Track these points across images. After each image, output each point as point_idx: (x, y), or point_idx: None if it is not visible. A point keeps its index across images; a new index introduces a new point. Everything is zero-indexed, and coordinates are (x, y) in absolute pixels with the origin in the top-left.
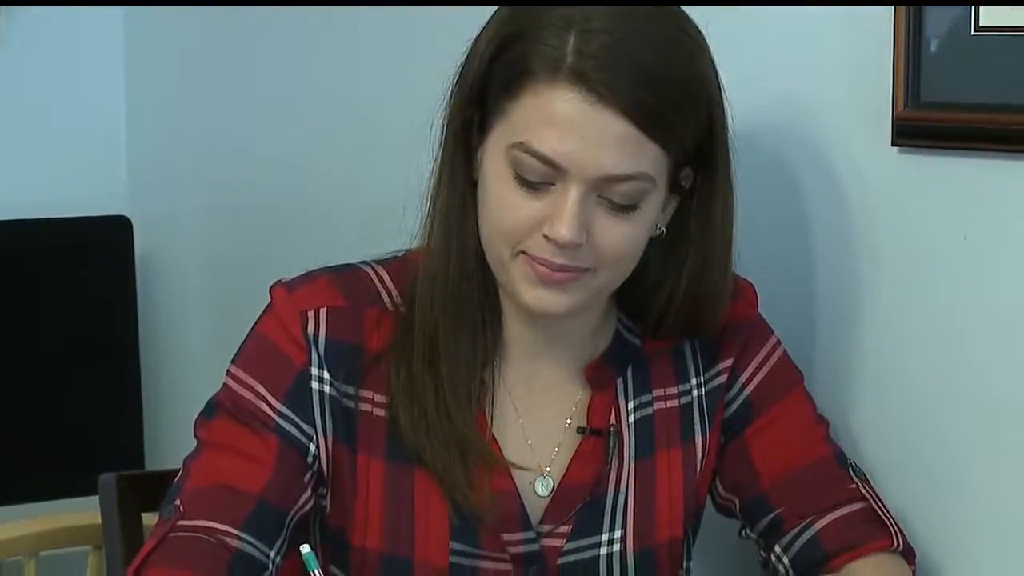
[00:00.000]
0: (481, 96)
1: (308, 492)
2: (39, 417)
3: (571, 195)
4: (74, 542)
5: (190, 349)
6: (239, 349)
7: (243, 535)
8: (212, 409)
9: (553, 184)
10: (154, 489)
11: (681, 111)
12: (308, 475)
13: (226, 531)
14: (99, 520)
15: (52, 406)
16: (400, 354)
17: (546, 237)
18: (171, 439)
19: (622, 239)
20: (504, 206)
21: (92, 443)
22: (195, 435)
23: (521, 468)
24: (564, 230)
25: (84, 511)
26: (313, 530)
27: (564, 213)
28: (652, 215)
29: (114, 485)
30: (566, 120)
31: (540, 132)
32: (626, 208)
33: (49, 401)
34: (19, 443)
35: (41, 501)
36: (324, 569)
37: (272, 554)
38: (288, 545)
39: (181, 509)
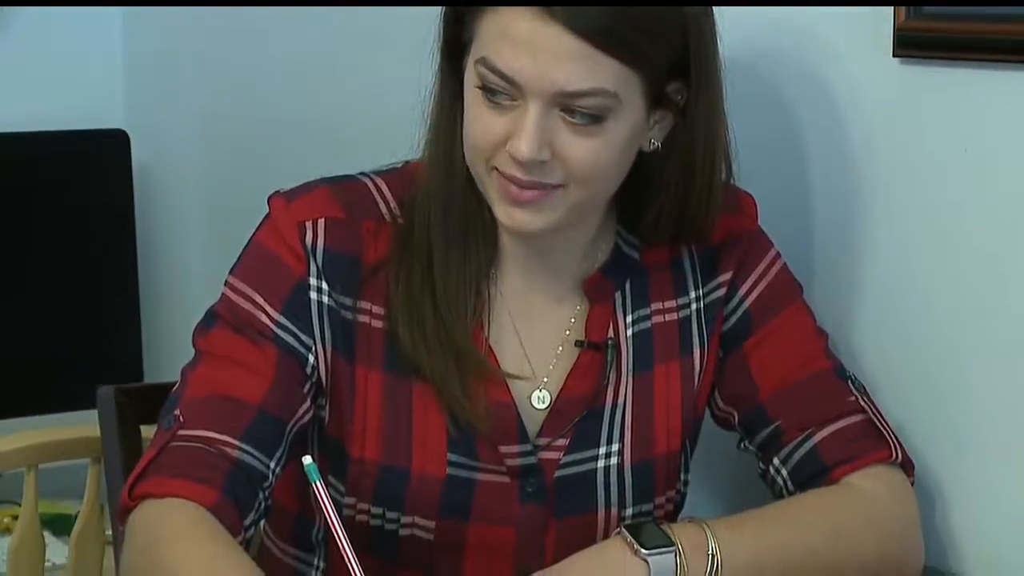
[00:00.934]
0: (460, 14)
1: (307, 403)
2: (38, 331)
3: (530, 111)
4: (73, 454)
5: (188, 261)
6: (237, 260)
7: (243, 445)
8: (210, 319)
9: (516, 101)
10: (153, 401)
11: (645, 30)
12: (307, 386)
13: (225, 441)
14: (98, 432)
15: (51, 320)
16: (398, 266)
17: (510, 154)
18: (169, 351)
19: (589, 155)
20: (474, 121)
21: (91, 356)
22: (193, 345)
23: (519, 379)
24: (523, 145)
25: (83, 424)
26: (312, 441)
27: (523, 129)
28: (625, 131)
29: (112, 397)
30: (519, 37)
31: (498, 49)
32: (590, 124)
33: (48, 315)
34: (18, 357)
35: (40, 415)
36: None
37: (272, 465)
38: (288, 456)
39: (181, 419)
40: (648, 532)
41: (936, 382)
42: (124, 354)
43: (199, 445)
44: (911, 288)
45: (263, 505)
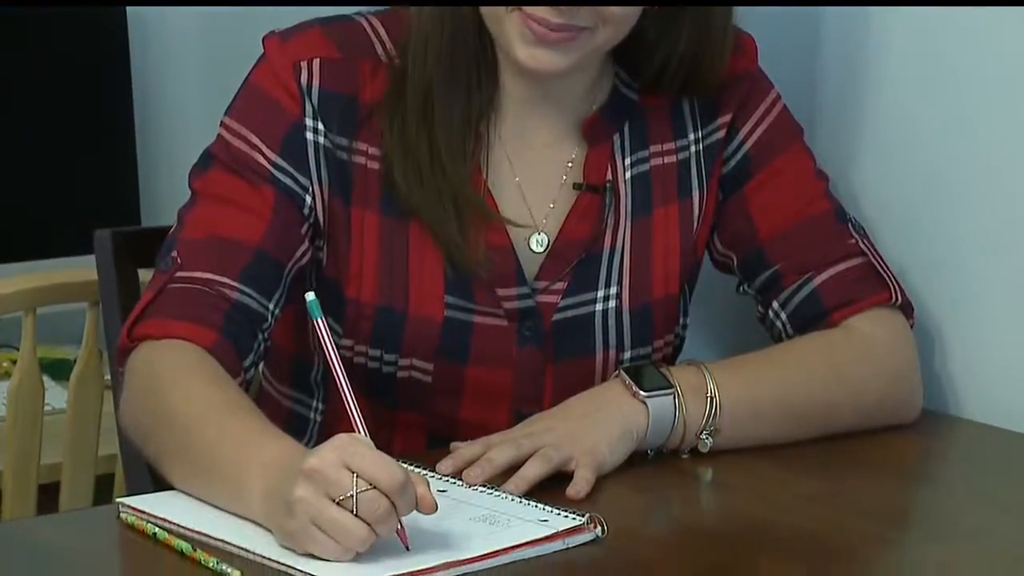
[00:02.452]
0: None
1: (305, 244)
2: (35, 177)
3: None
4: (71, 298)
5: (184, 103)
6: (232, 100)
7: (241, 286)
8: (206, 160)
9: None
10: (150, 244)
11: None
12: (304, 227)
13: (223, 283)
14: (96, 276)
15: (48, 165)
16: (394, 107)
17: None
18: (167, 195)
19: None
20: None
21: (88, 201)
22: (190, 187)
23: (516, 224)
24: None
25: (81, 268)
26: (310, 283)
27: None
28: None
29: (110, 240)
30: None
31: None
32: None
33: (45, 160)
34: (15, 203)
35: (38, 259)
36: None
37: (271, 306)
38: (286, 298)
39: (178, 260)
40: (647, 374)
41: (936, 226)
42: (121, 198)
43: (197, 287)
44: (911, 131)
45: (262, 347)
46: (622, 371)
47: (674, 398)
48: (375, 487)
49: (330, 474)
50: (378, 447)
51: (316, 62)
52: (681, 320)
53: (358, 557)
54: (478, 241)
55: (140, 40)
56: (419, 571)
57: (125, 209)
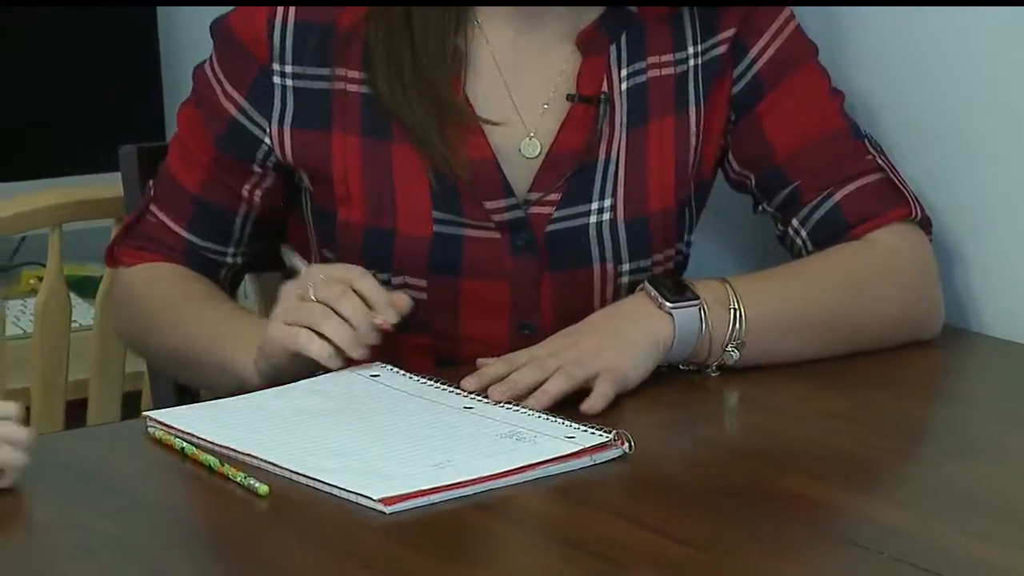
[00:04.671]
0: None
1: (252, 193)
2: (60, 93)
3: None
4: (97, 214)
5: (208, 21)
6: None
7: (190, 237)
8: (192, 88)
9: None
10: None
11: None
12: (256, 173)
13: (177, 232)
14: (121, 192)
15: (73, 82)
16: (376, 20)
17: None
18: None
19: None
20: None
21: (113, 117)
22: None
23: (505, 129)
24: None
25: (107, 184)
26: (306, 215)
27: None
28: None
29: (135, 156)
30: None
31: None
32: None
33: (70, 77)
34: (41, 119)
35: (64, 176)
36: (318, 253)
37: (230, 249)
38: (250, 239)
39: (152, 192)
40: (672, 286)
41: (951, 143)
42: (146, 114)
43: (158, 224)
44: (923, 49)
45: (225, 289)
46: (647, 283)
47: (700, 309)
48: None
49: (298, 284)
50: None
51: None
52: (685, 237)
53: (387, 473)
54: (460, 146)
55: None
56: (447, 486)
57: (150, 125)
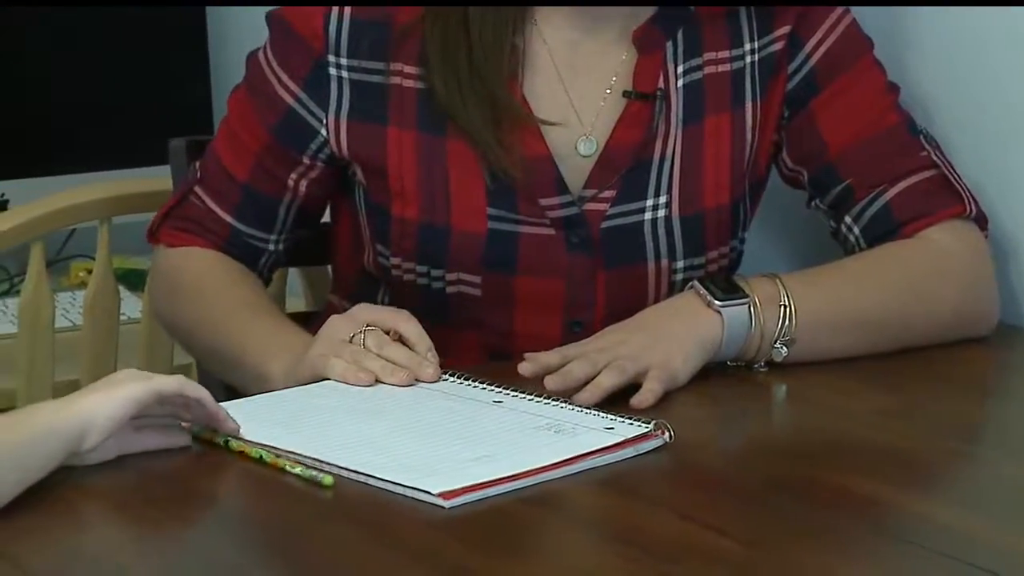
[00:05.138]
0: None
1: (299, 183)
2: (110, 87)
3: None
4: (145, 208)
5: (256, 16)
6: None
7: (235, 223)
8: (246, 73)
9: None
10: None
11: None
12: (303, 163)
13: (221, 217)
14: (170, 186)
15: (123, 76)
16: (433, 19)
17: None
18: None
19: None
20: None
21: (162, 111)
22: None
23: (561, 127)
24: None
25: (156, 177)
26: (360, 209)
27: None
28: None
29: (184, 149)
30: None
31: None
32: None
33: (120, 72)
34: (91, 112)
35: (113, 169)
36: (372, 248)
37: (272, 237)
38: (292, 230)
39: (198, 174)
40: (721, 285)
41: (1009, 139)
42: (194, 108)
43: (203, 208)
44: (981, 43)
45: (264, 275)
46: (696, 282)
47: (749, 307)
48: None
49: (344, 323)
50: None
51: None
52: (739, 234)
53: (429, 468)
54: (515, 148)
55: None
56: (504, 478)
57: (199, 118)
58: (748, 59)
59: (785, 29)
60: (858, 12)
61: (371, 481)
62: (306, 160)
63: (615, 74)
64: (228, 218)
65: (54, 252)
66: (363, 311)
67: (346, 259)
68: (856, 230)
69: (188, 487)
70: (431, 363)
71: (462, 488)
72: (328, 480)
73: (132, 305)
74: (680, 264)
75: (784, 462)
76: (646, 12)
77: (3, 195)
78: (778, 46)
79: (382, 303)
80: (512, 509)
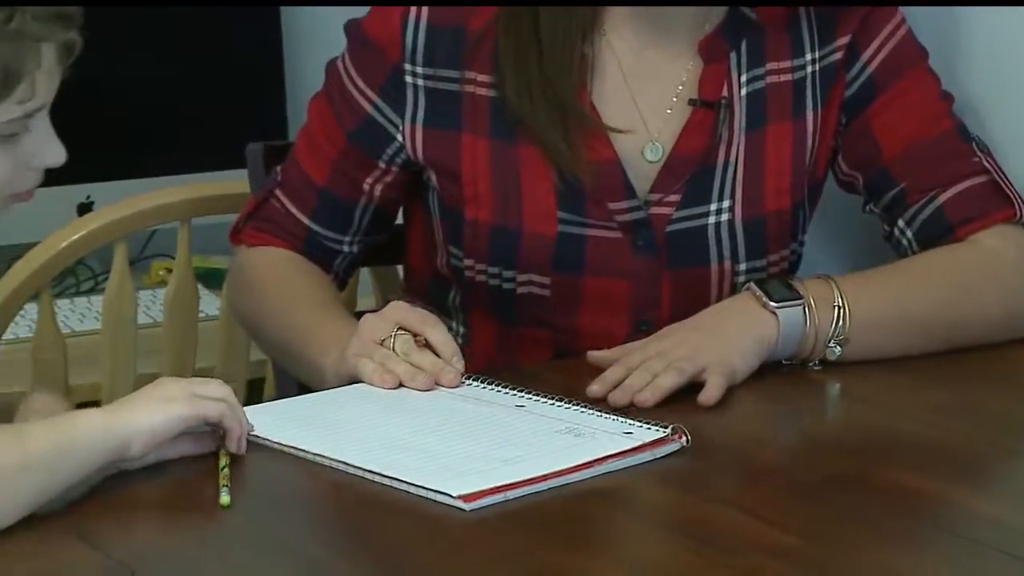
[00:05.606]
0: None
1: (374, 187)
2: (191, 95)
3: None
4: (224, 209)
5: (329, 25)
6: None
7: (312, 225)
8: (325, 82)
9: None
10: None
11: None
12: (378, 167)
13: (299, 219)
14: (247, 188)
15: (203, 85)
16: (505, 26)
17: None
18: None
19: None
20: None
21: (239, 117)
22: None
23: (624, 131)
24: None
25: (234, 181)
26: (433, 212)
27: None
28: None
29: (261, 154)
30: None
31: None
32: None
33: (200, 80)
34: (172, 119)
35: (193, 172)
36: (444, 250)
37: (346, 239)
38: (367, 232)
39: (278, 178)
40: (776, 287)
41: None
42: (269, 114)
43: (282, 210)
44: None
45: (339, 276)
46: (752, 283)
47: (804, 308)
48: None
49: (378, 324)
50: (503, 364)
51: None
52: (799, 237)
53: (450, 471)
54: (584, 153)
55: None
56: (523, 481)
57: (273, 123)
58: (809, 68)
59: (845, 39)
60: (913, 22)
61: (394, 484)
62: (382, 165)
63: (681, 82)
64: (306, 220)
65: (136, 252)
66: (395, 311)
67: (418, 260)
68: (909, 233)
69: (256, 478)
70: (453, 369)
71: (482, 491)
72: (225, 500)
73: (210, 303)
74: (742, 266)
75: (839, 458)
76: (711, 23)
77: (88, 197)
78: (838, 56)
79: (453, 303)
80: (579, 503)
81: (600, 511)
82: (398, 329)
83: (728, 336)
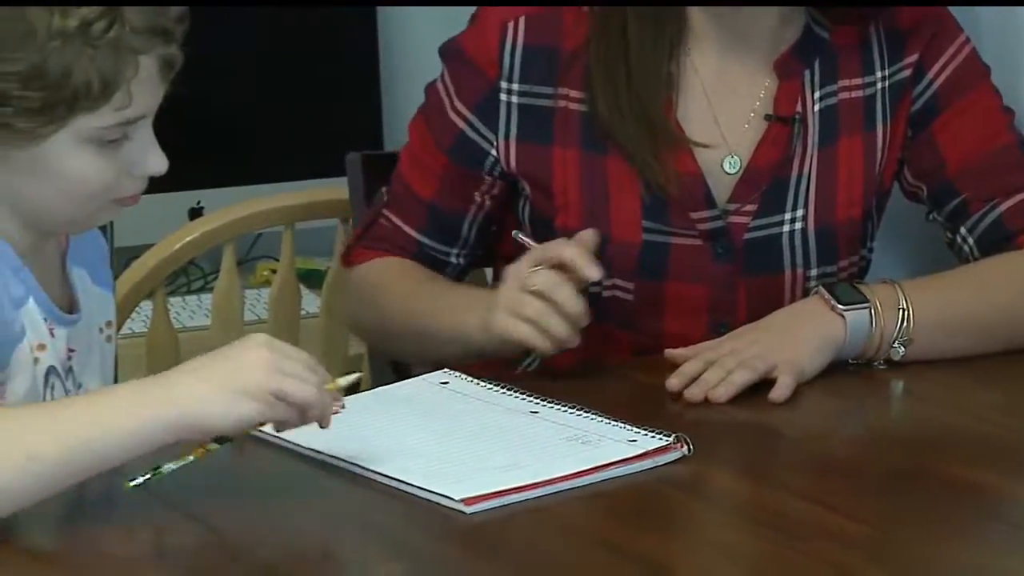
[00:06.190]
0: None
1: (483, 198)
2: (295, 109)
3: None
4: (324, 215)
5: (425, 39)
6: (445, 53)
7: (422, 239)
8: (423, 103)
9: None
10: (392, 167)
11: None
12: (485, 180)
13: (409, 234)
14: (346, 196)
15: (305, 99)
16: (596, 46)
17: None
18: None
19: None
20: None
21: (339, 129)
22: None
23: (707, 146)
24: None
25: (334, 188)
26: (522, 220)
27: None
28: None
29: (360, 163)
30: None
31: None
32: None
33: (303, 95)
34: (277, 131)
35: (297, 180)
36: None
37: (455, 251)
38: (472, 241)
39: (385, 198)
40: (844, 291)
41: None
42: (367, 126)
43: (392, 228)
44: None
45: None
46: (821, 287)
47: (870, 311)
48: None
49: (519, 270)
50: (585, 361)
51: (522, 20)
52: (868, 244)
53: (462, 474)
54: (670, 165)
55: None
56: (522, 487)
57: (369, 135)
58: (879, 85)
59: (913, 58)
60: (976, 40)
61: (402, 487)
62: (487, 177)
63: (758, 99)
64: (415, 234)
65: (243, 253)
66: (535, 252)
67: (508, 262)
68: (971, 240)
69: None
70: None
71: (483, 495)
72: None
73: (311, 301)
74: (814, 272)
75: (902, 452)
76: (786, 42)
77: (199, 202)
78: (906, 73)
79: None
80: (658, 491)
81: (678, 497)
82: (533, 267)
83: (798, 337)
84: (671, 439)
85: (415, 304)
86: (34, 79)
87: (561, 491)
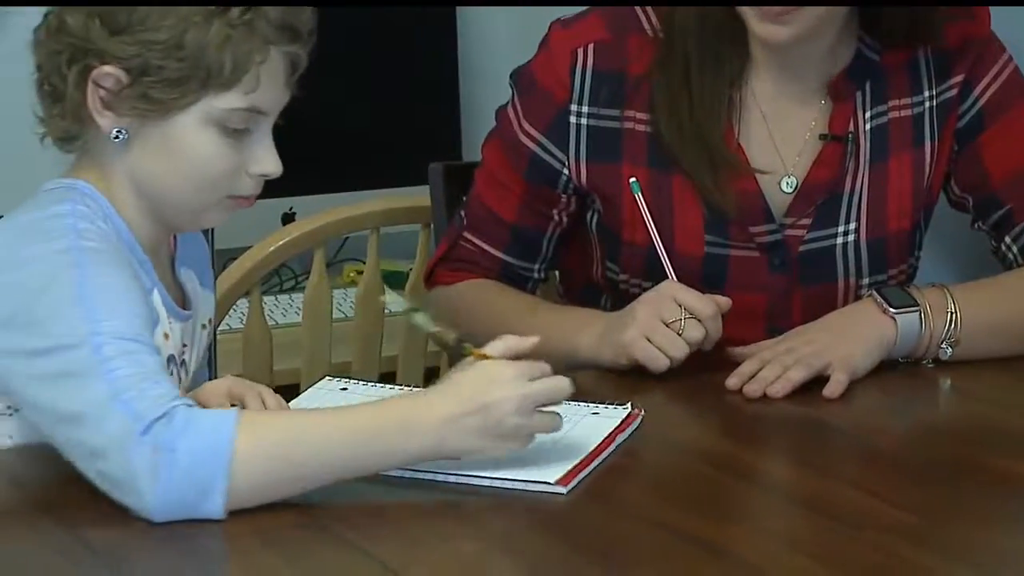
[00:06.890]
0: None
1: (560, 214)
2: (380, 121)
3: None
4: (407, 220)
5: (501, 55)
6: (516, 78)
7: (505, 258)
8: (494, 127)
9: None
10: (470, 176)
11: None
12: (561, 198)
13: (493, 254)
14: (428, 203)
15: (389, 111)
16: (659, 74)
17: None
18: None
19: None
20: None
21: (421, 140)
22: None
23: (767, 172)
24: None
25: (417, 195)
26: (591, 231)
27: None
28: None
29: (441, 172)
30: None
31: None
32: None
33: (387, 107)
34: (364, 142)
35: (382, 188)
36: (601, 264)
37: (536, 266)
38: (552, 255)
39: (464, 220)
40: (895, 294)
41: None
42: (447, 138)
43: (476, 250)
44: None
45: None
46: (874, 291)
47: (919, 314)
48: (695, 317)
49: (664, 303)
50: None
51: (591, 46)
52: (915, 253)
53: (523, 459)
54: (730, 187)
55: None
56: (592, 453)
57: (450, 146)
58: (927, 104)
59: (959, 78)
60: (1018, 57)
61: (485, 483)
62: (562, 196)
63: (813, 120)
64: (499, 255)
65: (331, 256)
66: (674, 289)
67: (575, 269)
68: (1015, 248)
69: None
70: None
71: (569, 471)
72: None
73: (393, 301)
74: (866, 281)
75: (949, 445)
76: (838, 66)
77: (291, 208)
78: (953, 92)
79: (604, 307)
80: (715, 479)
81: (731, 486)
82: (688, 315)
83: (851, 337)
84: (628, 407)
85: (515, 324)
86: (174, 50)
87: (615, 470)
